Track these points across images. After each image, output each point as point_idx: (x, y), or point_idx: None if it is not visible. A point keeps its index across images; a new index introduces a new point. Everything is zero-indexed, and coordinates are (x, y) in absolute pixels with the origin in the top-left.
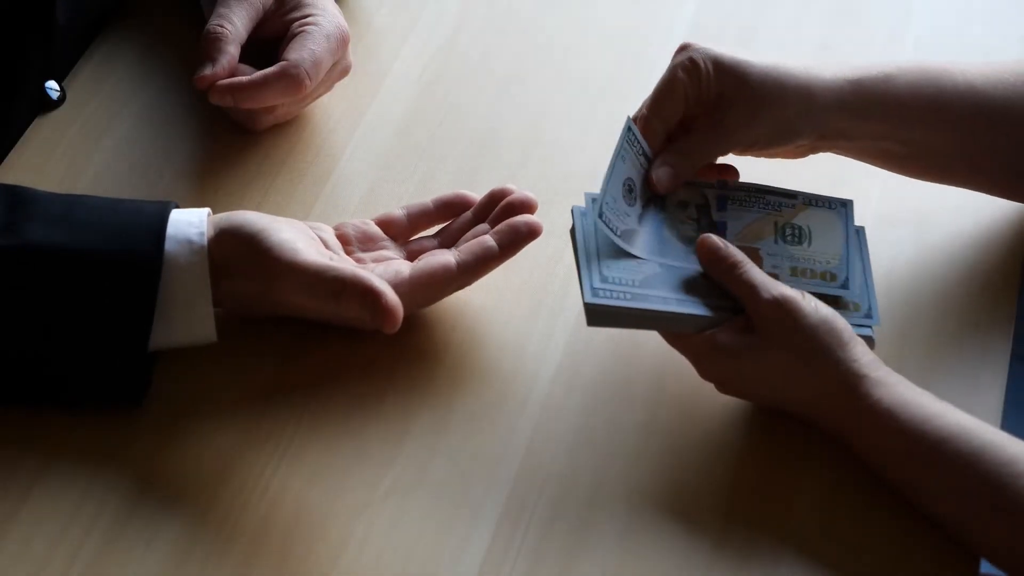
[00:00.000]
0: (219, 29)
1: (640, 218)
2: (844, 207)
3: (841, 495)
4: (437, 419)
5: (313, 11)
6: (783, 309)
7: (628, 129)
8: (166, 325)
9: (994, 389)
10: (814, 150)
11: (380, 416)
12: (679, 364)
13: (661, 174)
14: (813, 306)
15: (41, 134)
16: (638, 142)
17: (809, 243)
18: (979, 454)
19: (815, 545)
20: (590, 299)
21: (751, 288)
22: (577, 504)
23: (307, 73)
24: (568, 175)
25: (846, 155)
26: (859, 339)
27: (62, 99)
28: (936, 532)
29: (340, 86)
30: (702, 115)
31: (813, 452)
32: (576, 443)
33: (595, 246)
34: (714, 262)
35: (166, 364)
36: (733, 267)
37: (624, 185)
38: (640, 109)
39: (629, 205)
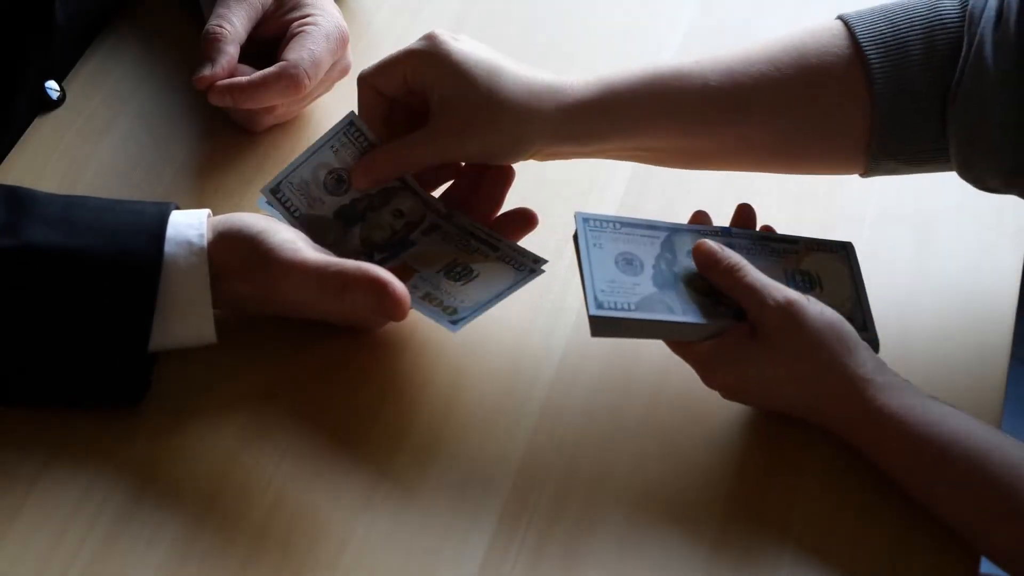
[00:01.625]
0: (218, 29)
1: (653, 279)
2: (844, 249)
3: (841, 495)
4: (437, 419)
5: (312, 11)
6: (788, 313)
7: (584, 221)
8: (166, 326)
9: (994, 389)
10: (539, 159)
11: (380, 416)
12: (679, 364)
13: (358, 171)
14: (818, 310)
15: (41, 134)
16: (605, 223)
17: (821, 289)
18: (985, 458)
19: (815, 545)
20: (595, 311)
21: (754, 292)
22: (577, 504)
23: (306, 73)
24: (568, 175)
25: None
26: (864, 343)
27: (62, 99)
28: (936, 532)
29: (340, 86)
30: (425, 112)
31: (813, 452)
32: (576, 443)
33: (598, 255)
34: (712, 266)
35: (166, 364)
36: (732, 270)
37: (618, 262)
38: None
39: (635, 275)
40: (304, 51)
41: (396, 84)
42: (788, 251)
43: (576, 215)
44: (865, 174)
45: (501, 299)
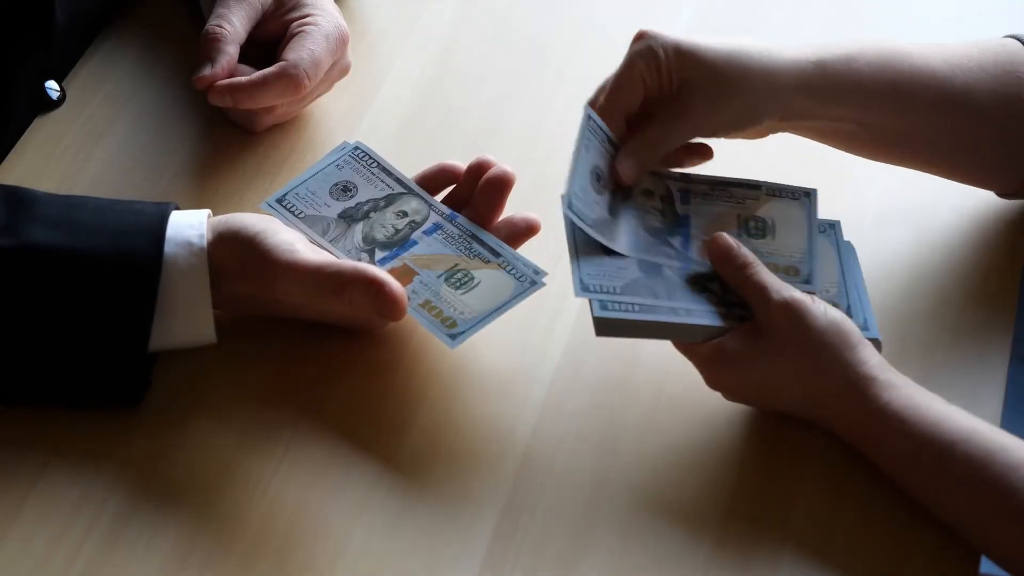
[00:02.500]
0: (218, 29)
1: (609, 206)
2: (807, 196)
3: (841, 495)
4: (437, 419)
5: (312, 11)
6: (792, 311)
7: (588, 118)
8: (166, 326)
9: (994, 389)
10: (773, 130)
11: (380, 416)
12: (679, 364)
13: (626, 166)
14: (822, 309)
15: (41, 134)
16: (600, 129)
17: (773, 236)
18: (988, 458)
19: (815, 545)
20: (599, 313)
21: (761, 289)
22: (577, 504)
23: (306, 73)
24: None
25: (803, 135)
26: (867, 342)
27: (62, 99)
28: (936, 532)
29: (340, 86)
30: (664, 102)
31: (813, 452)
32: (576, 443)
33: (583, 239)
34: (725, 262)
35: (166, 364)
36: (744, 267)
37: (592, 173)
38: (596, 95)
39: (598, 193)
40: (304, 51)
41: (637, 95)
42: (747, 196)
43: (586, 107)
44: (1010, 196)
45: (501, 313)
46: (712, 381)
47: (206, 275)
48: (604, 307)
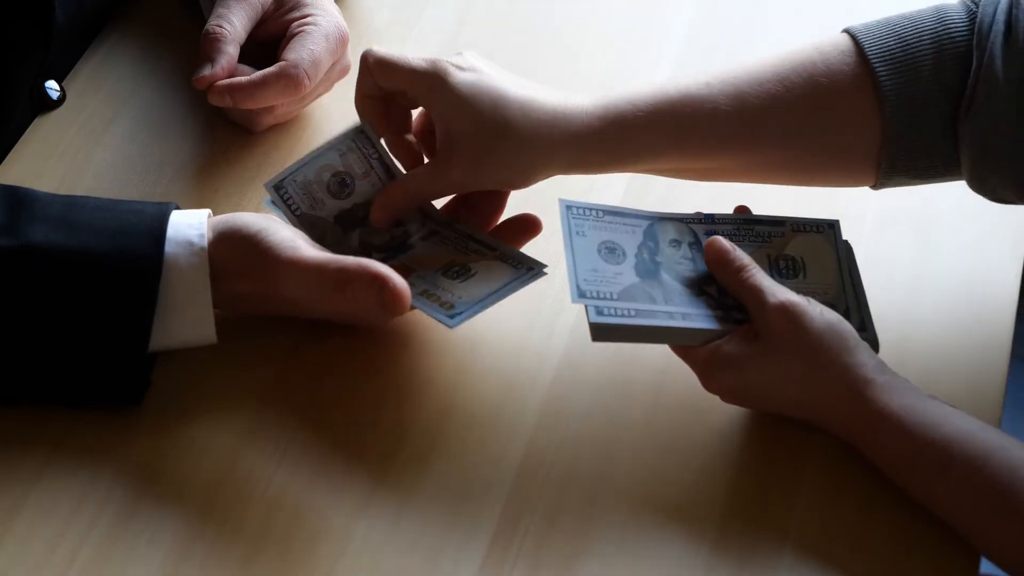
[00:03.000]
0: (218, 29)
1: (637, 269)
2: (832, 228)
3: (841, 495)
4: (437, 419)
5: (312, 11)
6: (788, 314)
7: (567, 208)
8: (166, 326)
9: (994, 389)
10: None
11: (380, 416)
12: (679, 364)
13: (377, 210)
14: (818, 311)
15: (41, 134)
16: (589, 211)
17: (804, 275)
18: (987, 458)
19: (815, 545)
20: (595, 318)
21: (758, 292)
22: (577, 504)
23: (306, 73)
24: (568, 176)
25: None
26: (864, 344)
27: (62, 99)
28: (936, 532)
29: (340, 86)
30: (431, 137)
31: (813, 452)
32: (576, 443)
33: (580, 243)
34: (722, 265)
35: (166, 364)
36: (740, 270)
37: (600, 251)
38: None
39: (617, 264)
40: (304, 51)
41: (394, 91)
42: (773, 234)
43: (560, 202)
44: (875, 187)
45: (500, 297)
46: (710, 385)
47: (206, 275)
48: (600, 312)
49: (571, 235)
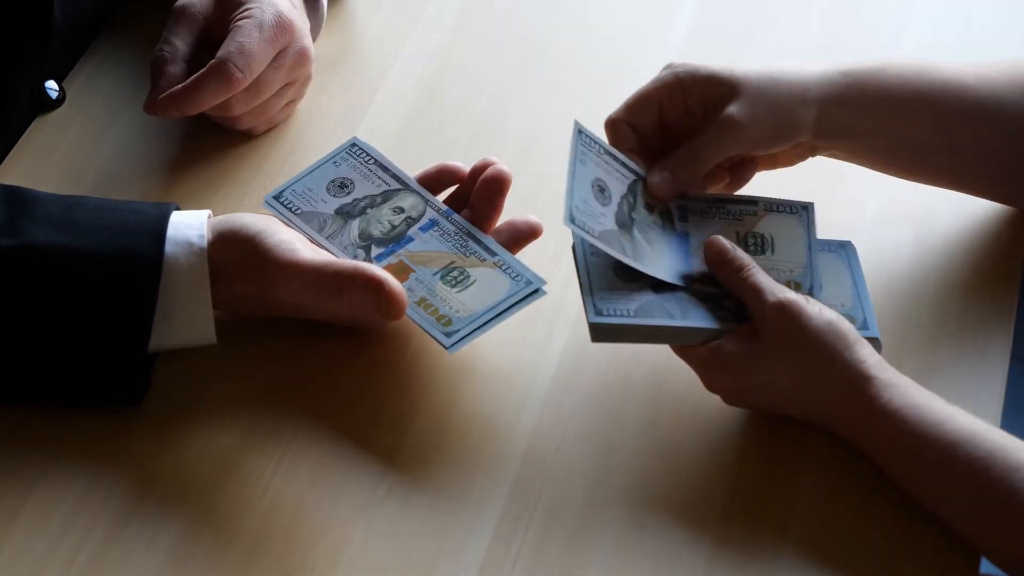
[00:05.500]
0: (159, 54)
1: (617, 218)
2: (805, 210)
3: (841, 495)
4: (437, 419)
5: (250, 5)
6: (787, 313)
7: (579, 132)
8: (166, 327)
9: (994, 389)
10: (813, 151)
11: (380, 416)
12: (679, 363)
13: (657, 180)
14: (817, 310)
15: (41, 134)
16: (595, 143)
17: (772, 251)
18: (990, 459)
19: (815, 545)
20: (594, 319)
21: (757, 291)
22: (577, 504)
23: (236, 66)
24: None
25: (840, 157)
26: (865, 341)
27: (62, 99)
28: (936, 532)
29: (340, 86)
30: (695, 124)
31: (813, 452)
32: (576, 443)
33: (595, 267)
34: (722, 264)
35: (166, 364)
36: (739, 269)
37: (594, 186)
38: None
39: (603, 205)
40: (232, 45)
41: (651, 118)
42: (745, 212)
43: (575, 123)
44: None
45: (497, 322)
46: (710, 384)
47: (206, 275)
48: (599, 313)
49: (575, 159)
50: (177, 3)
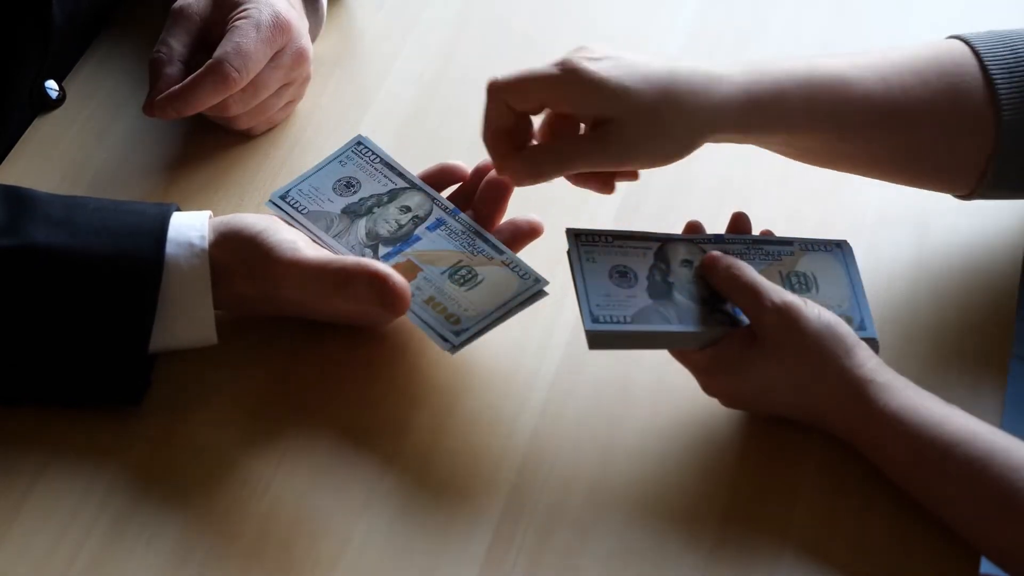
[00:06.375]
0: (156, 55)
1: (650, 291)
2: (840, 248)
3: (841, 495)
4: (437, 419)
5: (247, 5)
6: (785, 316)
7: (575, 236)
8: (166, 327)
9: (994, 389)
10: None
11: (380, 416)
12: (678, 365)
13: (515, 168)
14: (816, 312)
15: (41, 134)
16: (597, 238)
17: (817, 290)
18: (989, 459)
19: (815, 545)
20: (590, 326)
21: (754, 294)
22: (577, 504)
23: (232, 66)
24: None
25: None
26: (863, 343)
27: (62, 99)
28: (936, 532)
29: (340, 86)
30: (577, 122)
31: (813, 452)
32: (576, 443)
33: (591, 270)
34: (716, 270)
35: (166, 364)
36: (729, 267)
37: (612, 276)
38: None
39: (629, 287)
40: (229, 45)
41: (531, 106)
42: (783, 253)
43: (567, 232)
44: (967, 198)
45: (502, 320)
46: (709, 388)
47: (207, 276)
48: (595, 320)
49: (581, 262)
50: (175, 4)
